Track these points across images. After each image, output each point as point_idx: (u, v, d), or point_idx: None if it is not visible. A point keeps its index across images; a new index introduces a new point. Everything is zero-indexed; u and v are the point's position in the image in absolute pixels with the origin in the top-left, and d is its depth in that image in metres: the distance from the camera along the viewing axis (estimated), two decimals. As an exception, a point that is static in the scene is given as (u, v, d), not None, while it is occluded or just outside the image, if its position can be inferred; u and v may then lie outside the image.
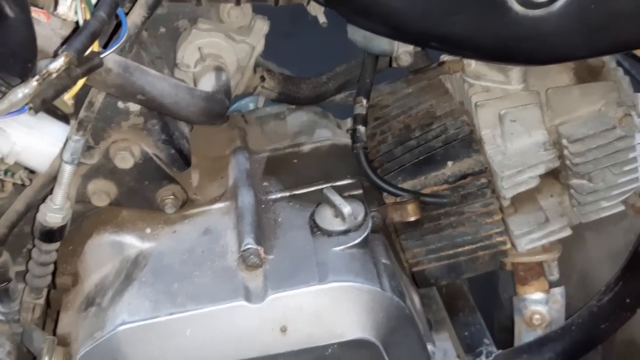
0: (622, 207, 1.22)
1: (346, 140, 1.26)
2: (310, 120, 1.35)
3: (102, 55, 0.84)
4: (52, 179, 1.03)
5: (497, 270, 1.28)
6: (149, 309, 0.96)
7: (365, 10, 1.00)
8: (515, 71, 1.16)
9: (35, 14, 0.93)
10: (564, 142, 1.16)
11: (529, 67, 1.16)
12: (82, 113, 0.98)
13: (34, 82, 0.78)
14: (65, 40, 0.87)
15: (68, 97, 0.86)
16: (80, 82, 0.84)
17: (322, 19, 1.18)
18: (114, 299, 1.01)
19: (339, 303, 0.97)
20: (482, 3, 0.95)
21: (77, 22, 0.87)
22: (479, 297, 1.47)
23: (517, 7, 0.95)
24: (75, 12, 0.86)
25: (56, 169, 1.01)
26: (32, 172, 1.07)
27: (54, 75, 0.79)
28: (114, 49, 0.86)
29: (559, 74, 1.19)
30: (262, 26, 1.21)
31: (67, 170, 1.00)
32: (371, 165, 1.18)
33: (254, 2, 1.18)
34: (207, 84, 1.12)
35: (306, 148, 1.26)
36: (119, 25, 0.92)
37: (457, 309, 1.42)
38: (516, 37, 0.98)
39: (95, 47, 0.85)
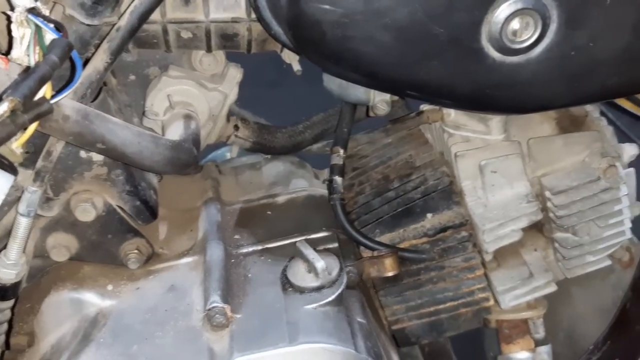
0: (608, 262, 1.18)
1: (323, 191, 1.22)
2: (286, 170, 1.31)
3: (52, 101, 0.80)
4: (7, 232, 0.97)
5: (482, 327, 1.22)
6: (105, 373, 0.91)
7: (336, 57, 0.96)
8: (496, 121, 1.13)
9: (-8, 58, 0.89)
10: (547, 194, 1.12)
11: (509, 116, 1.14)
12: (39, 163, 0.94)
13: (-28, 130, 0.73)
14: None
15: (17, 145, 0.81)
16: (30, 130, 0.80)
17: (296, 67, 1.16)
18: (69, 362, 0.95)
19: (310, 366, 0.91)
20: (458, 50, 0.93)
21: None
22: (464, 356, 1.41)
23: (495, 54, 0.92)
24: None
25: (11, 222, 0.96)
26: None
27: (-4, 121, 0.74)
28: (65, 94, 0.82)
29: (541, 124, 1.17)
30: (235, 74, 1.19)
31: (23, 223, 0.95)
32: (348, 217, 1.14)
33: (226, 49, 1.15)
34: (175, 132, 1.08)
35: (281, 199, 1.22)
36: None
37: (440, 368, 1.36)
38: (494, 85, 0.96)
39: (48, 92, 0.80)
